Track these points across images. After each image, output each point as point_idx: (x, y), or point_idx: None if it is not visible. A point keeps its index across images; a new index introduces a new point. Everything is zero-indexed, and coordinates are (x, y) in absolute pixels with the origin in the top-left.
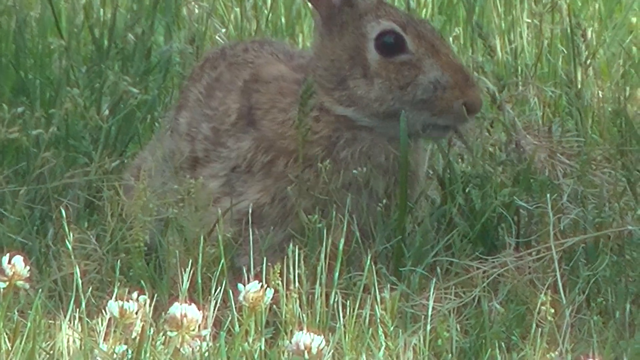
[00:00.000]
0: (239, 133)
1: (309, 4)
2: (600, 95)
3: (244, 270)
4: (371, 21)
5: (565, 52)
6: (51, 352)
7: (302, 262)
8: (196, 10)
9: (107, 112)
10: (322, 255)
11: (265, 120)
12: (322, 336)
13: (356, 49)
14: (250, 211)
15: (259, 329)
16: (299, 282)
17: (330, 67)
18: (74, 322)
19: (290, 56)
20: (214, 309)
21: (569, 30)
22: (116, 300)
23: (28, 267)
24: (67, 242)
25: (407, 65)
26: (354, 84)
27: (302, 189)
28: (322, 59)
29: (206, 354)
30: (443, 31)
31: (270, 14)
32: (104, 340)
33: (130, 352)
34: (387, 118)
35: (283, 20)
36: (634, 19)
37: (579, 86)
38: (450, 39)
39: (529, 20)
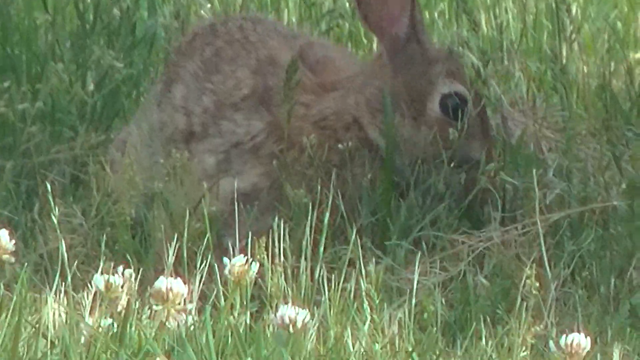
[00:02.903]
0: (249, 109)
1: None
2: (585, 70)
3: (230, 246)
4: (443, 76)
5: (550, 27)
6: (37, 325)
7: (287, 236)
8: None
9: (92, 86)
10: (307, 230)
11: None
12: (307, 310)
13: (419, 92)
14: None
15: (244, 302)
16: (284, 256)
17: (392, 96)
18: (59, 296)
19: (286, 36)
20: (200, 283)
21: (553, 5)
22: (102, 274)
23: (13, 241)
24: (52, 217)
25: (455, 129)
26: (400, 121)
27: (304, 181)
28: (378, 81)
29: (192, 328)
30: (428, 6)
31: None
32: (90, 314)
33: (115, 325)
34: (414, 161)
35: None
36: None
37: (564, 61)
38: (435, 14)
39: None
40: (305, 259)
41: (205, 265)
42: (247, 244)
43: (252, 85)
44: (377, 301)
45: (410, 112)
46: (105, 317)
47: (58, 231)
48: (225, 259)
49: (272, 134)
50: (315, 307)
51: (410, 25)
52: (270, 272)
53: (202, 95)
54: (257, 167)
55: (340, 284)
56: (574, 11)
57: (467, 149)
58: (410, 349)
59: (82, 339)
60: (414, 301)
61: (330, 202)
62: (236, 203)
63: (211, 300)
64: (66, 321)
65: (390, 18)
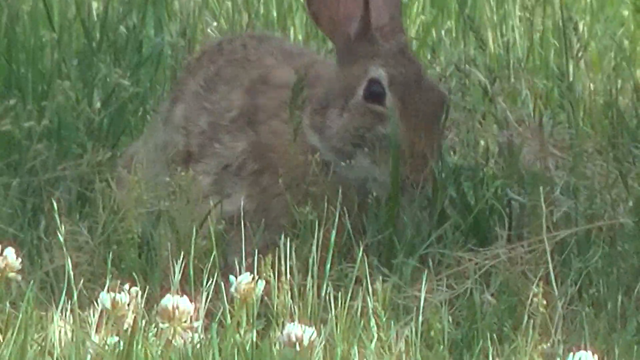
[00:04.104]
0: (236, 131)
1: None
2: (592, 88)
3: (236, 263)
4: (376, 64)
5: (557, 45)
6: (43, 343)
7: (293, 254)
8: (188, 3)
9: (98, 104)
10: (314, 247)
11: (265, 125)
12: (314, 328)
13: (352, 83)
14: (241, 214)
15: (251, 320)
16: (290, 273)
17: (332, 92)
18: (65, 314)
19: (290, 55)
20: (206, 301)
21: (560, 23)
22: (108, 292)
23: (20, 259)
24: (58, 234)
25: (376, 115)
26: (330, 113)
27: (285, 205)
28: (325, 82)
29: (198, 346)
30: (435, 24)
31: (262, 7)
32: (96, 332)
33: (122, 344)
34: (341, 156)
35: (275, 13)
36: (625, 12)
37: (571, 79)
38: (442, 32)
39: (521, 14)
40: (312, 276)
41: (212, 283)
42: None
43: (240, 106)
44: (384, 319)
45: (339, 103)
46: (111, 335)
47: (64, 249)
48: (232, 277)
49: (252, 152)
50: (322, 325)
51: (362, 24)
52: (276, 289)
53: (200, 116)
54: (243, 189)
55: (347, 301)
56: (580, 29)
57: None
58: None
59: (89, 357)
60: (420, 319)
61: (337, 219)
62: (226, 224)
63: (217, 318)
64: (72, 339)
65: (343, 18)
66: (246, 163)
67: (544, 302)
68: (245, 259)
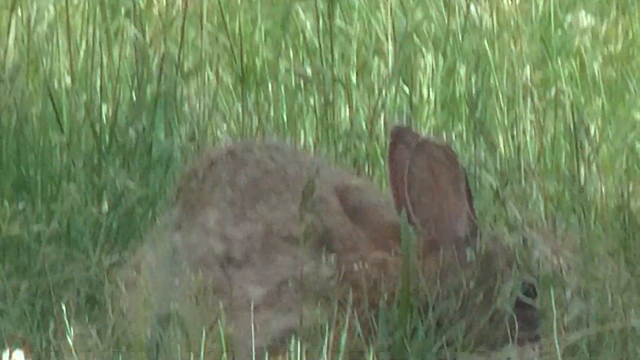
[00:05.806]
0: (310, 247)
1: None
2: (604, 191)
3: None
4: (508, 270)
5: (568, 147)
6: None
7: (304, 357)
8: (197, 107)
9: (106, 208)
10: (324, 351)
11: (349, 258)
12: None
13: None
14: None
15: None
16: None
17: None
18: None
19: (327, 173)
20: None
21: (572, 126)
22: None
23: None
24: (68, 338)
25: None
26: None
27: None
28: (447, 277)
29: None
30: (445, 128)
31: (272, 110)
32: None
33: None
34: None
35: (285, 116)
36: (637, 115)
37: (582, 182)
38: (453, 135)
39: (532, 117)
40: None
41: None
42: None
43: (309, 221)
44: None
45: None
46: None
47: (73, 352)
48: None
49: (342, 284)
50: None
51: (471, 225)
52: None
53: (243, 223)
54: (319, 307)
55: None
56: (592, 132)
57: None
58: None
59: None
60: None
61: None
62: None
63: None
64: None
65: (450, 218)
66: (333, 291)
67: None
68: None
